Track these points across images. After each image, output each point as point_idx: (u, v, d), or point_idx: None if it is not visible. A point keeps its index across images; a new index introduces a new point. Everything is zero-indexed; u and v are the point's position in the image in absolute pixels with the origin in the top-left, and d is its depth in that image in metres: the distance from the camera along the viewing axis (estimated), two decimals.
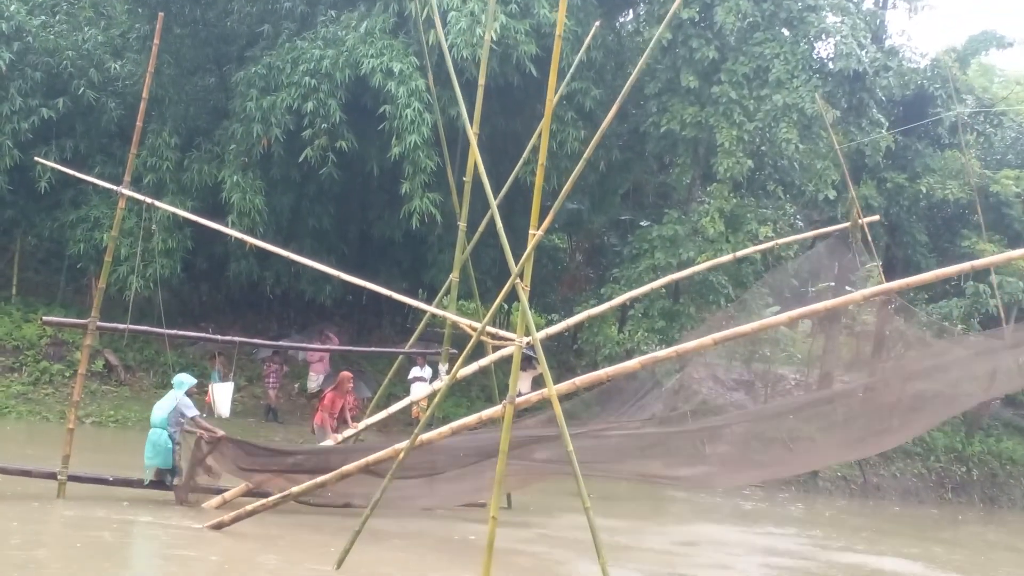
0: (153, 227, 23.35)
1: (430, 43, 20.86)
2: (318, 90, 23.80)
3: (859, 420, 14.25)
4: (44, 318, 18.68)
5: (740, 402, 28.99)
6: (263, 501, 14.53)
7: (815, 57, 27.11)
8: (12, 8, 25.33)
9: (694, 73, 25.15)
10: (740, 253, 20.39)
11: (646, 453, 14.97)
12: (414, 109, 23.20)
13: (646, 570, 14.99)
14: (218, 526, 14.06)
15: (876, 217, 21.29)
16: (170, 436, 15.59)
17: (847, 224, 19.25)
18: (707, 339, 13.49)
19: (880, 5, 29.67)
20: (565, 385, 13.21)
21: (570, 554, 15.02)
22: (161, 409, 15.76)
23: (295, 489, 14.48)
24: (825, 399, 16.61)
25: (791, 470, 20.26)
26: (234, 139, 24.89)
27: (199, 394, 17.66)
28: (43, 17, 26.43)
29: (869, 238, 18.84)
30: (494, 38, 20.72)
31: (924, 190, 28.64)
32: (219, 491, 15.69)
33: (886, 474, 27.52)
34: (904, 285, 14.49)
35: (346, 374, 20.02)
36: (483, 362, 16.27)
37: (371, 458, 13.97)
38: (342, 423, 18.96)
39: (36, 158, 21.74)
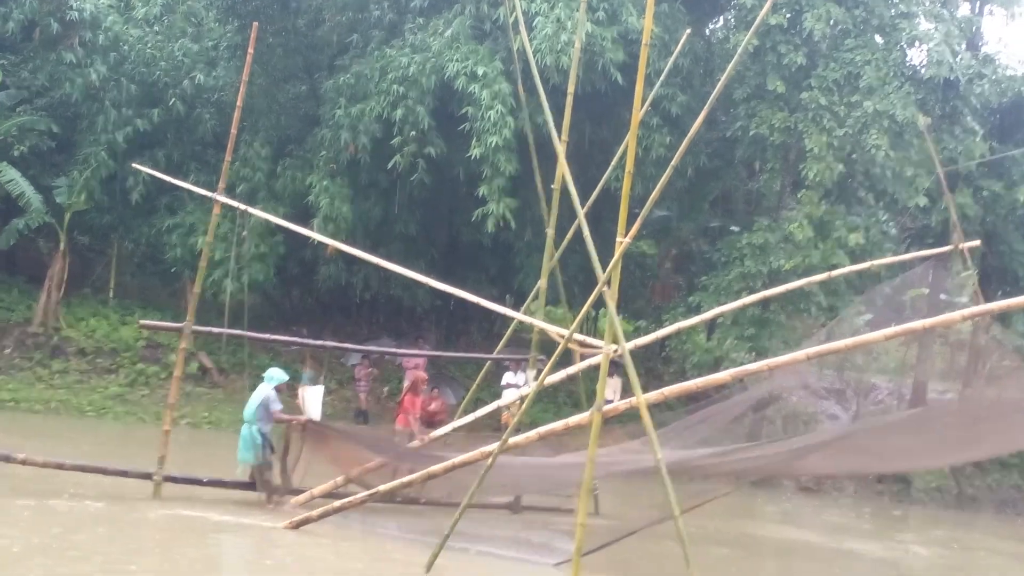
0: (244, 233, 23.78)
1: (517, 48, 20.96)
2: (406, 97, 24.06)
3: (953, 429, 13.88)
4: (140, 322, 19.15)
5: (831, 411, 28.69)
6: (350, 499, 14.70)
7: (907, 64, 26.70)
8: (110, 19, 26.00)
9: (781, 79, 24.91)
10: (835, 273, 20.05)
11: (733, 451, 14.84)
12: (497, 111, 23.37)
13: None
14: (303, 523, 14.26)
15: (977, 242, 20.85)
16: (259, 431, 15.82)
17: (948, 248, 18.89)
18: (800, 354, 13.31)
19: (976, 12, 29.11)
20: (654, 395, 13.14)
21: (655, 566, 14.95)
22: (251, 404, 16.02)
23: (382, 487, 14.60)
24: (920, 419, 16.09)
25: (882, 467, 19.91)
26: (323, 145, 25.27)
27: (291, 397, 17.90)
28: (138, 31, 27.05)
29: (969, 261, 18.50)
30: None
31: (1022, 198, 28.02)
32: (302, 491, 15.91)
33: (982, 485, 26.89)
34: (1004, 307, 14.18)
35: (420, 375, 20.19)
36: (571, 370, 16.28)
37: (458, 460, 14.06)
38: (425, 425, 19.13)
39: (135, 164, 22.29)
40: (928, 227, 28.90)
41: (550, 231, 17.78)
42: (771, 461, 14.32)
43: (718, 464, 14.35)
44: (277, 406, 15.85)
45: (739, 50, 13.69)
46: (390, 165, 24.47)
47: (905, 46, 26.15)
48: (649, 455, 11.93)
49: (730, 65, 13.24)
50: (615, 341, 12.58)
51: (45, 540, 12.58)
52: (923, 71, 26.34)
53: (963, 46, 26.53)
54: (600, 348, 13.26)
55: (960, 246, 18.19)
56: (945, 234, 27.46)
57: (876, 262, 20.11)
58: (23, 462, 14.98)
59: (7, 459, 14.88)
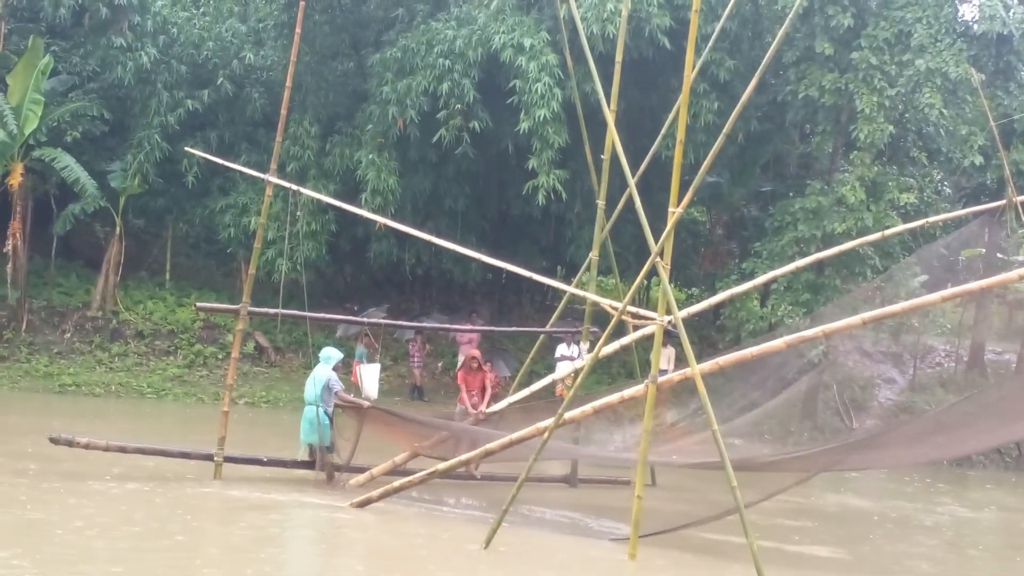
0: (298, 212, 23.91)
1: (563, 17, 20.82)
2: (452, 71, 24.02)
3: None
4: (197, 304, 19.33)
5: (888, 375, 28.38)
6: (410, 478, 14.75)
7: (959, 20, 26.23)
8: (159, 3, 26.19)
9: (829, 40, 24.57)
10: (889, 232, 19.80)
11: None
12: (544, 83, 23.26)
13: (795, 549, 14.83)
14: (364, 503, 14.34)
15: None
16: (325, 412, 15.92)
17: (1001, 203, 18.56)
18: (856, 319, 13.15)
19: None
20: (708, 365, 13.05)
21: (712, 534, 14.90)
22: (313, 385, 16.11)
23: (440, 466, 14.65)
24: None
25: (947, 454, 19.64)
26: (371, 120, 25.31)
27: (345, 374, 18.02)
28: (186, 13, 27.22)
29: (1023, 216, 18.20)
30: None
31: None
32: (364, 469, 16.00)
33: None
34: None
35: (472, 352, 20.22)
36: (624, 341, 16.26)
37: (515, 436, 14.08)
38: (481, 400, 19.18)
39: (187, 148, 22.47)
40: (984, 185, 28.46)
41: (600, 202, 17.70)
42: (836, 458, 14.18)
43: (783, 463, 14.31)
44: (338, 385, 15.97)
45: (791, 13, 13.47)
46: (435, 139, 24.49)
47: (957, 2, 25.70)
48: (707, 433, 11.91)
49: (782, 28, 13.02)
50: (668, 312, 12.54)
51: (107, 520, 12.75)
52: (975, 27, 25.87)
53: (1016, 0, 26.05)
54: (653, 319, 13.22)
55: (1014, 199, 17.88)
56: (1001, 192, 26.97)
57: (929, 219, 19.81)
58: (86, 446, 15.14)
59: (70, 443, 15.03)
